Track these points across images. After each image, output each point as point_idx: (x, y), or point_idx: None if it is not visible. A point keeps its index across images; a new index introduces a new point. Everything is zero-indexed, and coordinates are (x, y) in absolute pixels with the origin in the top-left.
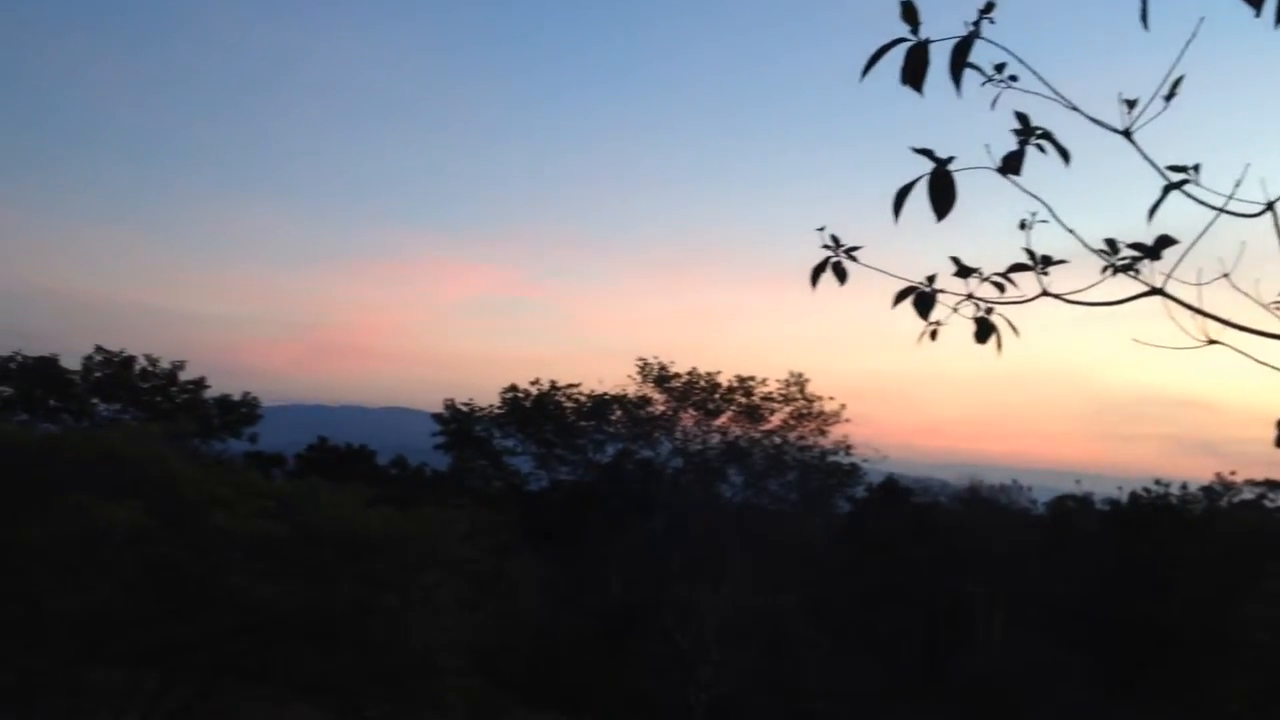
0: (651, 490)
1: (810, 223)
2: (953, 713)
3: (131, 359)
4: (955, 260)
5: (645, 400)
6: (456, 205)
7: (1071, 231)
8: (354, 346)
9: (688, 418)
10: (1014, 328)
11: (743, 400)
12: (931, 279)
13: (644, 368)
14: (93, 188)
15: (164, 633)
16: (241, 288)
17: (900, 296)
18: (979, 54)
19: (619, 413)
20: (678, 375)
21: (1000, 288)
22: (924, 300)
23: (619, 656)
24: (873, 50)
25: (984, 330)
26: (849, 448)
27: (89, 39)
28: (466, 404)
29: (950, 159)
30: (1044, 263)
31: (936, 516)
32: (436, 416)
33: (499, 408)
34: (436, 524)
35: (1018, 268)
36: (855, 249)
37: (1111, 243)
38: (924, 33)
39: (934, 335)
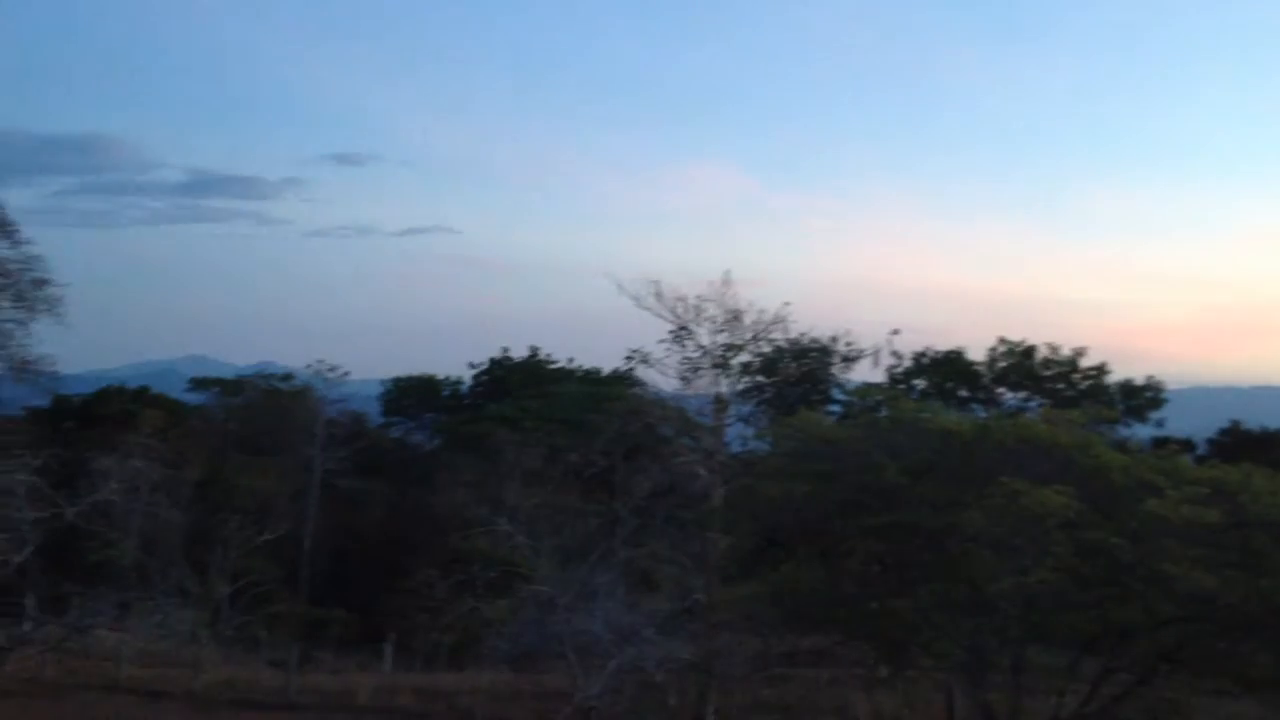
0: None
1: None
2: None
3: (1033, 348)
4: None
5: None
6: None
7: None
8: (1264, 323)
9: None
10: None
11: None
12: None
13: None
14: (976, 187)
15: (1099, 618)
16: (1133, 271)
17: None
18: None
19: None
20: None
21: None
22: None
23: None
24: None
25: None
26: None
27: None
28: None
29: None
30: None
31: None
32: None
33: None
34: None
35: None
36: None
37: None
38: None
39: None
